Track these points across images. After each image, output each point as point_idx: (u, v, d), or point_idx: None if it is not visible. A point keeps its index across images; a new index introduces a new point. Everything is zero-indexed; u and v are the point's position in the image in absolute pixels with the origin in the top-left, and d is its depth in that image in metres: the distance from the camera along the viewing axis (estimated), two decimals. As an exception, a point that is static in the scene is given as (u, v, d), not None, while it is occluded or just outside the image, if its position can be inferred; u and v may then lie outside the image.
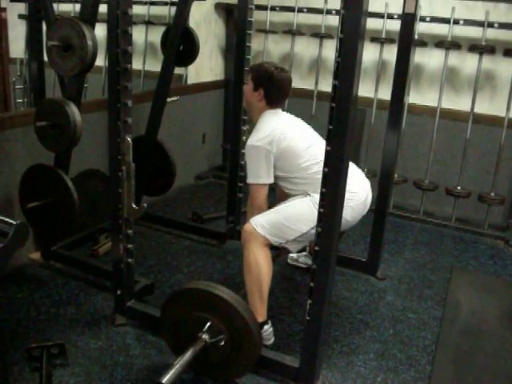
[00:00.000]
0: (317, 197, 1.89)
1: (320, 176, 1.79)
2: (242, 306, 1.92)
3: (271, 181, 2.37)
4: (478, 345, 2.44)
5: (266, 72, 2.41)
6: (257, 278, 2.23)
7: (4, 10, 3.09)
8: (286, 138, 2.34)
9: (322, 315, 1.89)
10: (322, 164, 1.78)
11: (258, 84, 2.42)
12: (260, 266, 2.22)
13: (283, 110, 2.55)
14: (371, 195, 2.49)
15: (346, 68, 1.60)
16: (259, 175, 2.35)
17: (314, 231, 1.89)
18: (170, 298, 2.06)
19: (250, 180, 2.38)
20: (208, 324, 1.92)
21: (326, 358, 2.23)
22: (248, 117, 2.94)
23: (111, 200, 2.20)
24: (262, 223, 2.25)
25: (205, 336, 1.92)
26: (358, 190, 2.36)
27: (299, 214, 2.27)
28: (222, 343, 1.92)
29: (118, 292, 2.35)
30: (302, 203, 2.30)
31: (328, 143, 1.70)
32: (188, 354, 1.87)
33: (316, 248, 1.82)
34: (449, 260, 3.30)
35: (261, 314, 2.26)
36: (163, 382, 1.75)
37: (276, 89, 2.42)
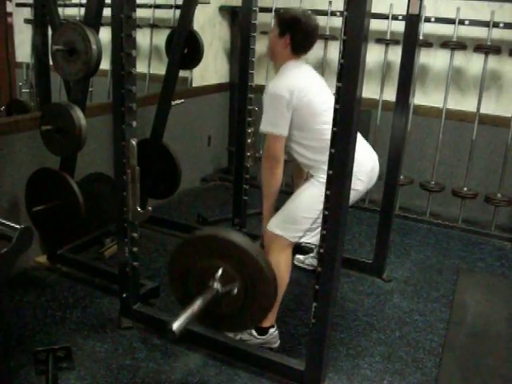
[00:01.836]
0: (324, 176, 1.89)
1: None
2: (255, 251, 1.82)
3: (286, 133, 2.24)
4: (485, 347, 2.43)
5: (293, 17, 2.30)
6: None
7: (10, 14, 3.11)
8: (309, 93, 2.23)
9: (328, 318, 1.88)
10: None
11: (284, 29, 2.30)
12: (279, 273, 2.19)
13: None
14: (378, 166, 2.44)
15: (350, 70, 1.60)
16: (277, 124, 2.21)
17: None
18: (179, 247, 1.94)
19: (265, 128, 2.24)
20: (220, 271, 1.80)
21: (332, 361, 2.22)
22: (272, 63, 2.64)
23: (116, 203, 2.21)
24: (276, 223, 2.24)
25: (216, 284, 1.81)
26: (361, 158, 2.22)
27: (309, 197, 2.21)
28: (235, 291, 1.81)
29: (124, 295, 2.35)
30: (309, 188, 2.25)
31: (333, 145, 1.70)
32: (199, 301, 1.76)
33: (321, 250, 1.81)
34: (455, 261, 3.28)
35: (270, 319, 2.26)
36: (173, 328, 1.65)
37: (303, 35, 2.30)
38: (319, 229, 2.25)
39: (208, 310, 1.82)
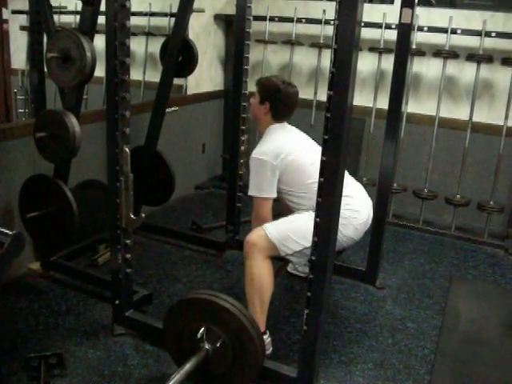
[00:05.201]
0: None
1: None
2: (241, 312, 1.90)
3: (274, 195, 2.36)
4: (477, 354, 2.44)
5: (272, 86, 2.42)
6: (259, 290, 2.23)
7: (6, 21, 3.12)
8: (292, 153, 2.34)
9: (319, 325, 1.89)
10: None
11: (264, 97, 2.43)
12: (262, 277, 2.23)
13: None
14: (372, 213, 2.50)
15: (341, 79, 1.61)
16: (262, 189, 2.33)
17: None
18: (171, 310, 2.04)
19: (251, 192, 2.36)
20: (202, 330, 1.89)
21: (324, 368, 2.23)
22: (246, 128, 2.92)
23: (110, 210, 2.21)
24: (271, 232, 2.24)
25: (206, 345, 1.90)
26: (361, 208, 2.36)
27: (305, 228, 2.19)
28: (219, 344, 1.88)
29: (117, 302, 2.35)
30: (308, 217, 2.23)
31: (323, 153, 1.71)
32: (189, 364, 1.85)
33: (312, 258, 1.82)
34: (448, 269, 3.30)
35: (260, 325, 2.27)
36: None
37: (282, 103, 2.42)
38: (307, 257, 2.25)
39: (201, 371, 1.91)
